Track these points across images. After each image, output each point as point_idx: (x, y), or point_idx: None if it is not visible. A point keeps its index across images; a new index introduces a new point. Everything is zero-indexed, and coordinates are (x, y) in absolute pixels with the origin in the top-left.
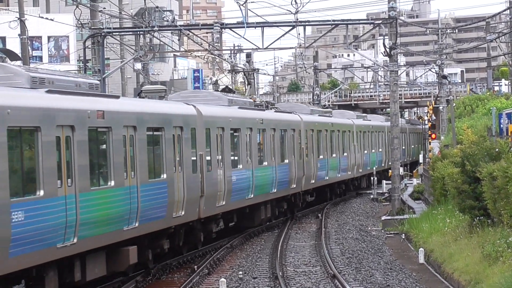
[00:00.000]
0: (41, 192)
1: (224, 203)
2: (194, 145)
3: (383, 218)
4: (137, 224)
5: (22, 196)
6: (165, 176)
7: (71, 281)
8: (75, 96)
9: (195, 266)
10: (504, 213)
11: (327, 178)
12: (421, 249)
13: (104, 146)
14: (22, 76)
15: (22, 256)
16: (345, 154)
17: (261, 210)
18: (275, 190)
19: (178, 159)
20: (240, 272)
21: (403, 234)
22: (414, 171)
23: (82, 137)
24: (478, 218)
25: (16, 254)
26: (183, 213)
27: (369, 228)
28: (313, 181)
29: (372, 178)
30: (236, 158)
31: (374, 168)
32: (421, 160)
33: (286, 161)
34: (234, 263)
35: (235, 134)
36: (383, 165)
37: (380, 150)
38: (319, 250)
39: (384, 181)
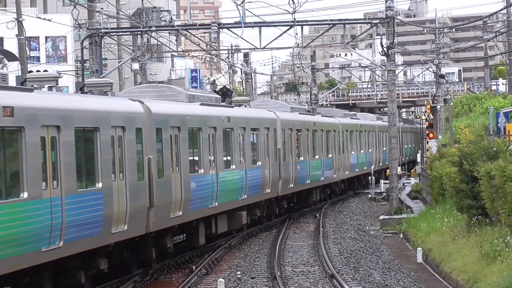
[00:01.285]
0: (202, 171)
1: (292, 185)
2: (275, 140)
3: (381, 217)
4: (246, 196)
5: (193, 173)
6: (260, 163)
7: (209, 232)
8: (214, 107)
9: (193, 266)
10: (502, 212)
11: (357, 170)
12: (419, 248)
13: (229, 141)
14: (182, 94)
15: (194, 211)
16: (370, 150)
17: (313, 194)
18: (323, 179)
19: (267, 150)
20: (238, 272)
21: (401, 234)
22: (412, 170)
23: (220, 135)
24: (476, 217)
25: (191, 209)
26: (269, 191)
27: (367, 228)
28: (347, 172)
29: (370, 177)
30: (299, 151)
31: (372, 167)
32: (419, 159)
33: (330, 155)
34: (232, 263)
35: (298, 133)
36: (411, 157)
37: (415, 144)
38: (317, 249)
39: (382, 181)
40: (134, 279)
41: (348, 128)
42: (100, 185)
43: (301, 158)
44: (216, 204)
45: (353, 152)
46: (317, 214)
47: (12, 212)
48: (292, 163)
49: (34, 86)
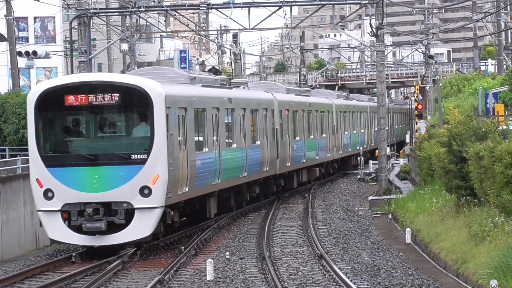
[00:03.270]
0: (298, 138)
1: (341, 152)
2: (333, 119)
3: (370, 198)
4: (318, 157)
5: (295, 138)
6: (324, 135)
7: (298, 180)
8: (303, 97)
9: (182, 247)
10: (491, 193)
11: None
12: (408, 229)
13: (310, 119)
14: (282, 88)
15: (294, 164)
16: (387, 128)
17: (352, 159)
18: (358, 148)
19: (327, 126)
20: (227, 253)
21: (390, 214)
22: (400, 151)
23: (306, 115)
24: (464, 197)
25: (293, 163)
26: (329, 155)
27: (356, 208)
28: (372, 144)
29: (359, 158)
30: (345, 127)
31: (360, 148)
32: (407, 140)
33: (362, 131)
34: (221, 243)
35: (345, 114)
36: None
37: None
38: (306, 230)
39: (370, 161)
40: (123, 259)
41: (373, 110)
42: (258, 142)
43: (346, 133)
44: (304, 161)
45: (375, 129)
46: (306, 195)
47: (232, 154)
48: (341, 136)
49: (235, 86)
